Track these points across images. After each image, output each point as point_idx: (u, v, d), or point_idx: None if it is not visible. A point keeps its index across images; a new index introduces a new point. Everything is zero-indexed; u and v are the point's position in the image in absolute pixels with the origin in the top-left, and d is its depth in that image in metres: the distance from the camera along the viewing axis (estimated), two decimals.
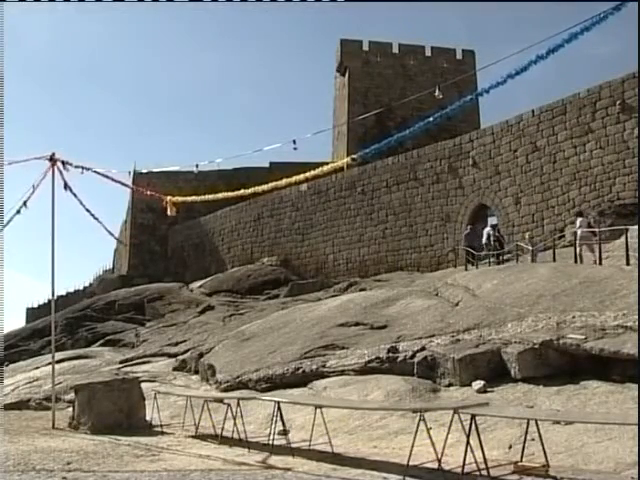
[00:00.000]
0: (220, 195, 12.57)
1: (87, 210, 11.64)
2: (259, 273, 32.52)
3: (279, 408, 8.21)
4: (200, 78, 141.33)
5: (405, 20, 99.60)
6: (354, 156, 9.66)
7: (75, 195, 11.34)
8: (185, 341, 18.99)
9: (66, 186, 11.16)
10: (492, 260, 20.32)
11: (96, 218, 11.87)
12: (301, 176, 10.38)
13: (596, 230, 17.09)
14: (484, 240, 21.28)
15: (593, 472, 5.82)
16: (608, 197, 20.91)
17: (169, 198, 12.22)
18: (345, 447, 7.72)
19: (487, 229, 21.76)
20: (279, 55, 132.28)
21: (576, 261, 15.96)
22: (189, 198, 13.49)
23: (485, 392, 8.68)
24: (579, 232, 16.99)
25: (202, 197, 13.15)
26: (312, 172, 10.17)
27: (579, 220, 17.49)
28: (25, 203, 11.14)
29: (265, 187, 11.23)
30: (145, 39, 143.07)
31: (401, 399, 8.95)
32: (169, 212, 12.42)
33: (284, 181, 10.70)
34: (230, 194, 12.33)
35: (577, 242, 16.72)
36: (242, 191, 11.72)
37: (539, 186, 23.52)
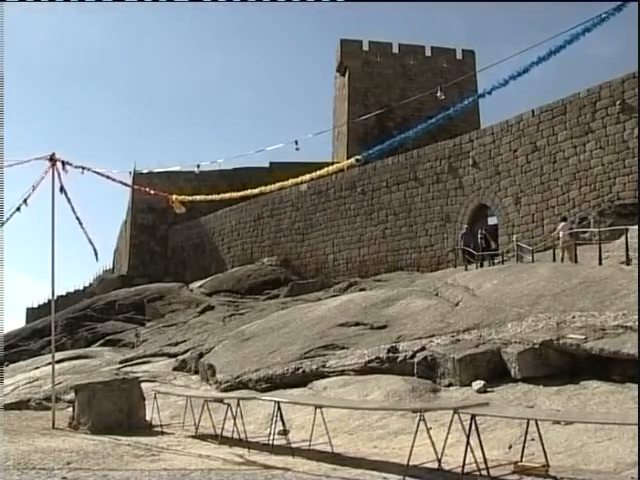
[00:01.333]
0: (227, 195, 12.40)
1: (77, 218, 11.41)
2: (259, 273, 32.51)
3: (279, 408, 8.21)
4: (200, 78, 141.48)
5: (405, 20, 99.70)
6: (359, 157, 9.46)
7: (69, 200, 11.20)
8: (185, 341, 18.98)
9: (62, 189, 11.08)
10: (478, 260, 20.67)
11: (82, 227, 11.60)
12: (307, 176, 10.17)
13: (575, 231, 18.13)
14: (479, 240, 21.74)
15: (593, 472, 5.82)
16: (608, 197, 20.91)
17: (175, 197, 12.10)
18: (345, 447, 7.72)
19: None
20: (279, 55, 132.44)
21: (576, 261, 16.04)
22: (197, 197, 13.29)
23: (485, 392, 8.68)
24: (560, 235, 17.77)
25: (206, 197, 13.00)
26: (317, 172, 10.00)
27: (561, 224, 18.10)
28: (25, 201, 11.08)
29: (270, 187, 11.06)
30: (145, 39, 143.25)
31: (401, 399, 8.95)
32: (177, 210, 12.27)
33: (290, 181, 10.55)
34: (234, 194, 12.13)
35: (559, 245, 17.75)
36: (249, 191, 11.49)
37: (539, 186, 23.52)
